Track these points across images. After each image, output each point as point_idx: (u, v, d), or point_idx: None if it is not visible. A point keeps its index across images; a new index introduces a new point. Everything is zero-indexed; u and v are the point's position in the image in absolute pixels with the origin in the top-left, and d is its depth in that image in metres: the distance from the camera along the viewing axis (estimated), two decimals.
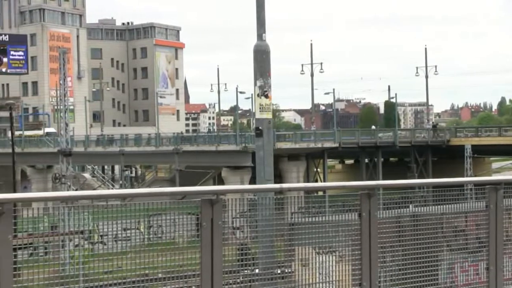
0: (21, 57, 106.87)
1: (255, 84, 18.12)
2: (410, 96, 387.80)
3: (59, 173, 46.24)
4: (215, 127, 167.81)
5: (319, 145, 62.59)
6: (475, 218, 8.47)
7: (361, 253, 7.29)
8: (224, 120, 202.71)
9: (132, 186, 76.70)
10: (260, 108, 18.11)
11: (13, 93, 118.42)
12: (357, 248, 7.32)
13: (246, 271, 7.04)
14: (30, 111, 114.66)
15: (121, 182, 71.93)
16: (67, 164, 43.90)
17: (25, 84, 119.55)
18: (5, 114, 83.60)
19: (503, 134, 70.82)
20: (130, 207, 6.57)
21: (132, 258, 6.54)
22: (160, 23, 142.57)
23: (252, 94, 54.24)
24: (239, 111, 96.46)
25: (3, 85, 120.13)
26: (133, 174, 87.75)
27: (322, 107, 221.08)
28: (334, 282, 7.49)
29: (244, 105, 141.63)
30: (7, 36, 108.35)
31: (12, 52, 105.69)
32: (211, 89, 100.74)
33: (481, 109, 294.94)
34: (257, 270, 7.17)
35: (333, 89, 79.89)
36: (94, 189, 68.02)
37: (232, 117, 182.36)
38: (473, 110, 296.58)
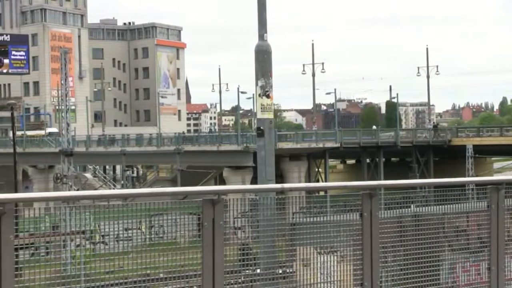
0: (23, 57, 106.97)
1: (257, 84, 18.12)
2: (411, 96, 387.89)
3: (60, 173, 46.24)
4: (216, 127, 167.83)
5: (321, 145, 62.59)
6: (476, 218, 8.47)
7: (363, 253, 7.28)
8: (225, 120, 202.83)
9: (133, 186, 76.70)
10: (261, 108, 18.11)
11: (15, 93, 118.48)
12: (359, 248, 7.32)
13: (247, 271, 7.03)
14: (32, 111, 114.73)
15: (122, 182, 71.98)
16: (68, 164, 43.92)
17: (26, 84, 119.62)
18: (7, 114, 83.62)
19: (504, 134, 70.80)
20: (132, 207, 6.57)
21: (133, 258, 6.54)
22: (161, 23, 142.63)
23: (253, 94, 54.17)
24: (241, 111, 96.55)
25: (4, 85, 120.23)
26: (135, 174, 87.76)
27: (324, 107, 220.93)
28: (335, 282, 7.48)
29: (246, 105, 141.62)
30: (9, 36, 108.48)
31: (13, 52, 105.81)
32: (213, 89, 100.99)
33: (483, 109, 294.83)
34: (258, 270, 7.17)
35: (335, 89, 79.85)
36: (96, 189, 68.03)
37: (233, 117, 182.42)
38: (474, 110, 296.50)
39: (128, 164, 70.14)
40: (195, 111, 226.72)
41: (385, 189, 8.19)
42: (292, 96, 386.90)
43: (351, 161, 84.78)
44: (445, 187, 8.33)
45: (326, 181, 63.74)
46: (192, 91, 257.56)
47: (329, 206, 8.46)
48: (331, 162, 76.72)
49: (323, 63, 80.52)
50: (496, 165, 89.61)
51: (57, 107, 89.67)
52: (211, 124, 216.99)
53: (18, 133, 72.75)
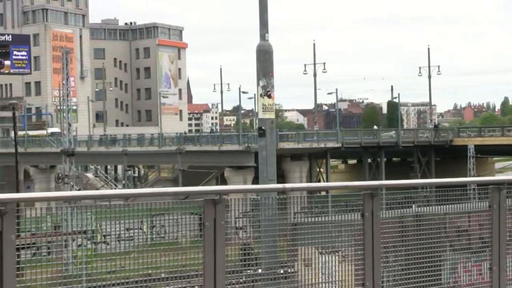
0: (24, 57, 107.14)
1: (258, 84, 18.13)
2: (413, 96, 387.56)
3: (62, 173, 46.26)
4: (218, 127, 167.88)
5: (322, 145, 62.59)
6: (478, 218, 8.46)
7: (364, 253, 7.28)
8: (227, 120, 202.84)
9: (135, 186, 76.72)
10: (263, 108, 18.11)
11: (16, 93, 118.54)
12: (360, 248, 7.32)
13: (249, 271, 7.04)
14: (33, 111, 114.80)
15: (124, 182, 71.96)
16: (70, 164, 43.92)
17: (28, 84, 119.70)
18: (8, 114, 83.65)
19: (506, 134, 70.78)
20: (133, 207, 6.58)
21: (135, 258, 6.54)
22: (163, 23, 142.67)
23: (255, 94, 54.20)
24: (242, 111, 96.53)
25: (6, 85, 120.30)
26: (136, 174, 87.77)
27: (325, 107, 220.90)
28: (337, 282, 7.48)
29: (247, 105, 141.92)
30: (10, 36, 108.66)
31: (15, 52, 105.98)
32: (214, 89, 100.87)
33: (484, 109, 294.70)
34: (260, 270, 7.17)
35: (336, 89, 79.89)
36: (97, 189, 68.05)
37: (235, 117, 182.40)
38: (476, 110, 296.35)
39: (130, 164, 70.16)
40: (196, 111, 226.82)
41: (387, 189, 8.19)
42: (293, 96, 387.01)
43: (352, 161, 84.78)
44: (447, 187, 8.32)
45: (327, 181, 63.72)
46: (193, 91, 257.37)
47: (330, 206, 8.46)
48: (333, 162, 76.69)
49: (324, 63, 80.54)
50: (498, 165, 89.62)
51: (58, 107, 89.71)
52: (212, 124, 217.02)
53: (20, 133, 72.77)
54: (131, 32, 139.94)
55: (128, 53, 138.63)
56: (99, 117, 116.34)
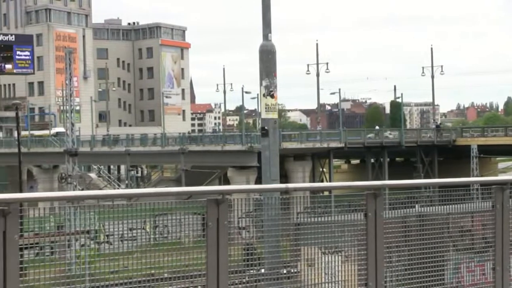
0: (27, 57, 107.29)
1: (261, 84, 18.12)
2: (416, 96, 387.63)
3: (65, 173, 46.30)
4: (221, 127, 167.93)
5: (325, 145, 62.56)
6: (481, 218, 8.46)
7: (367, 253, 7.28)
8: (230, 120, 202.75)
9: (138, 186, 76.78)
10: (266, 108, 18.11)
11: (19, 93, 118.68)
12: (363, 248, 7.31)
13: (252, 271, 7.04)
14: (36, 111, 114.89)
15: (127, 182, 72.00)
16: (73, 164, 43.97)
17: (31, 84, 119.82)
18: (11, 114, 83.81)
19: (509, 134, 70.63)
20: (136, 207, 6.58)
21: (138, 258, 6.54)
22: (166, 23, 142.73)
23: (258, 94, 54.25)
24: (245, 111, 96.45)
25: (9, 85, 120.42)
26: (139, 174, 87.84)
27: (328, 107, 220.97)
28: (340, 282, 7.48)
29: (250, 105, 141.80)
30: (14, 36, 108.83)
31: (18, 52, 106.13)
32: (217, 89, 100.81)
33: (487, 109, 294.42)
34: (263, 270, 7.17)
35: (339, 89, 79.86)
36: (100, 189, 68.09)
37: (237, 117, 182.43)
38: (479, 110, 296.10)
39: (133, 164, 70.24)
40: (199, 111, 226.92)
41: (390, 189, 8.18)
42: (296, 96, 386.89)
43: (355, 161, 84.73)
44: (450, 187, 8.32)
45: (330, 181, 63.67)
46: (196, 91, 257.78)
47: (333, 206, 8.46)
48: (336, 162, 76.67)
49: (327, 63, 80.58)
50: (501, 165, 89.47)
51: (61, 107, 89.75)
52: (215, 124, 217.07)
53: (23, 133, 72.86)
54: (134, 32, 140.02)
55: (131, 53, 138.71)
56: (102, 117, 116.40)
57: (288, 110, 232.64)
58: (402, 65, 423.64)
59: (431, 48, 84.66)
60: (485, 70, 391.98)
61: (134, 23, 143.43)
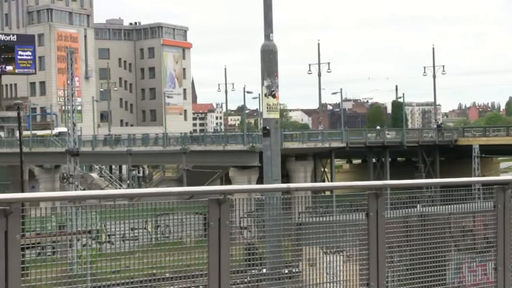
0: (29, 57, 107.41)
1: (263, 84, 18.12)
2: (417, 95, 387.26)
3: (66, 173, 46.32)
4: (222, 126, 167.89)
5: (327, 145, 62.55)
6: (483, 218, 8.45)
7: (369, 253, 7.28)
8: (231, 120, 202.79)
9: (139, 186, 76.78)
10: (267, 108, 18.11)
11: (21, 93, 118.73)
12: (365, 248, 7.31)
13: (253, 271, 7.03)
14: (38, 111, 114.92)
15: (128, 181, 72.03)
16: (74, 164, 43.98)
17: (32, 84, 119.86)
18: (13, 114, 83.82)
19: (511, 134, 70.60)
20: (138, 207, 6.58)
21: (139, 257, 6.54)
22: (167, 23, 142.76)
23: (259, 94, 54.25)
24: (247, 111, 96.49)
25: (11, 85, 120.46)
26: (141, 174, 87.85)
27: (330, 107, 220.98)
28: (341, 282, 7.48)
29: (252, 105, 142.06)
30: (15, 36, 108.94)
31: (20, 52, 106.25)
32: (219, 89, 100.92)
33: (489, 109, 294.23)
34: (264, 270, 7.17)
35: (341, 89, 79.89)
36: (102, 188, 68.14)
37: (239, 117, 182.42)
38: (480, 110, 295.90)
39: (134, 164, 70.21)
40: (201, 111, 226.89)
41: (391, 189, 8.18)
42: (298, 96, 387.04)
43: (357, 161, 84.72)
44: (451, 187, 8.31)
45: (332, 181, 63.68)
46: (198, 91, 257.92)
47: (335, 206, 8.46)
48: (337, 162, 76.66)
49: (329, 63, 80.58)
50: (503, 165, 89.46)
51: (63, 107, 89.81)
52: (217, 124, 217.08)
53: (25, 133, 72.90)
54: (136, 32, 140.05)
55: (133, 53, 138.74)
56: (104, 117, 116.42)
57: (290, 110, 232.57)
58: (403, 65, 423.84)
59: (433, 48, 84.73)
60: (486, 70, 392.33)
61: (135, 23, 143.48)
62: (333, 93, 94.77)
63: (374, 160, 67.83)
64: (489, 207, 8.31)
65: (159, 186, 68.30)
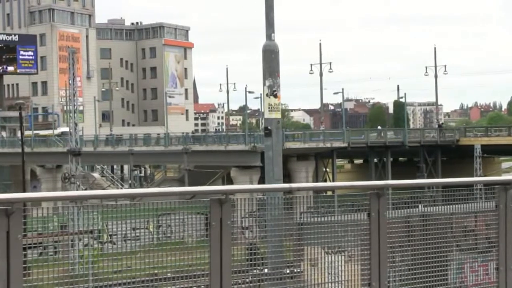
0: (31, 57, 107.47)
1: (264, 84, 18.12)
2: (419, 95, 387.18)
3: (68, 173, 46.34)
4: (224, 126, 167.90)
5: (328, 145, 62.53)
6: (484, 218, 8.45)
7: (370, 253, 7.27)
8: (233, 120, 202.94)
9: (141, 186, 76.78)
10: (269, 108, 18.11)
11: (23, 93, 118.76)
12: (366, 248, 7.31)
13: (255, 270, 7.03)
14: (40, 111, 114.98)
15: (130, 181, 72.02)
16: (76, 164, 43.99)
17: (34, 84, 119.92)
18: (15, 114, 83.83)
19: None
20: (139, 207, 6.58)
21: (141, 257, 6.54)
22: (169, 23, 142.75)
23: (261, 94, 54.21)
24: (248, 111, 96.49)
25: (12, 85, 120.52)
26: (142, 174, 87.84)
27: (331, 107, 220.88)
28: (343, 282, 7.48)
29: (253, 105, 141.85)
30: (17, 36, 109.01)
31: (21, 52, 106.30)
32: (220, 89, 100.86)
33: (491, 109, 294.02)
34: (266, 270, 7.17)
35: (342, 89, 79.70)
36: (103, 188, 68.18)
37: (241, 117, 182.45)
38: (482, 109, 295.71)
39: (136, 163, 70.19)
40: (202, 111, 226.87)
41: (393, 189, 8.18)
42: (299, 96, 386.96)
43: (358, 161, 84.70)
44: (453, 187, 8.31)
45: (333, 181, 63.66)
46: (199, 91, 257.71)
47: (336, 206, 8.46)
48: (339, 162, 76.66)
49: (330, 63, 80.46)
50: (504, 165, 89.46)
51: (65, 107, 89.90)
52: (218, 124, 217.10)
53: (27, 132, 72.92)
54: (137, 32, 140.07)
55: (135, 53, 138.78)
56: (106, 117, 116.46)
57: (291, 110, 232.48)
58: (405, 65, 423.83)
59: (434, 48, 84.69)
60: (488, 70, 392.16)
61: (137, 23, 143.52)
62: (335, 93, 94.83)
63: (375, 160, 67.79)
64: (491, 207, 8.30)
65: (160, 186, 68.32)
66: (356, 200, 7.90)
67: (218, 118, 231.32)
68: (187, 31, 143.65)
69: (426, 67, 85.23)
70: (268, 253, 7.35)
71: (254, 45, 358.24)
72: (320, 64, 79.37)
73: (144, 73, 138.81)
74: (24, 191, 52.03)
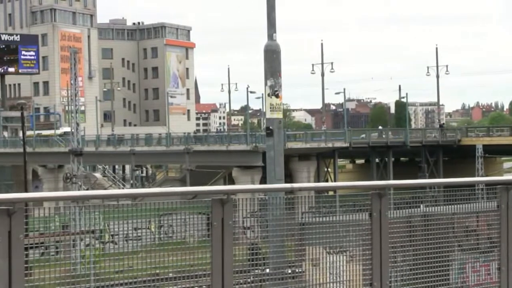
0: (32, 57, 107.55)
1: (266, 84, 18.12)
2: (421, 95, 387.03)
3: (70, 173, 46.37)
4: (225, 126, 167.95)
5: (330, 145, 62.53)
6: (486, 218, 8.44)
7: (372, 253, 7.27)
8: (234, 119, 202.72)
9: (143, 186, 76.82)
10: (270, 108, 18.10)
11: (24, 93, 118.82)
12: (368, 248, 7.30)
13: (256, 270, 7.03)
14: (41, 111, 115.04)
15: (131, 181, 72.05)
16: (78, 164, 44.02)
17: (36, 84, 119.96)
18: (17, 114, 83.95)
19: None
20: (141, 207, 6.58)
21: (143, 257, 6.54)
22: (170, 23, 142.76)
23: (262, 94, 54.23)
24: (250, 111, 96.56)
25: (14, 85, 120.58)
26: (144, 174, 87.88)
27: (333, 107, 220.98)
28: (344, 282, 7.47)
29: (255, 105, 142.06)
30: (19, 36, 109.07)
31: (23, 52, 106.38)
32: (222, 88, 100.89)
33: (493, 109, 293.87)
34: (267, 270, 7.17)
35: (344, 89, 79.69)
36: (105, 188, 68.23)
37: (242, 117, 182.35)
38: (484, 109, 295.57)
39: (138, 163, 70.24)
40: (204, 111, 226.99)
41: (395, 189, 8.17)
42: (301, 96, 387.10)
43: (360, 161, 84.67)
44: (455, 187, 8.30)
45: (335, 181, 63.66)
46: (201, 90, 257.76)
47: (338, 206, 8.45)
48: (340, 162, 76.58)
49: (332, 63, 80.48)
50: (506, 165, 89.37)
51: (66, 107, 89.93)
52: (220, 124, 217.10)
53: (29, 132, 72.96)
54: (139, 32, 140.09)
55: (136, 53, 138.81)
56: (107, 117, 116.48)
57: (293, 110, 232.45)
58: (407, 65, 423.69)
59: (436, 48, 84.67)
60: (488, 70, 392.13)
61: (139, 23, 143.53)
62: (337, 93, 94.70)
63: (377, 160, 67.78)
64: (492, 207, 8.30)
65: (162, 186, 68.34)
66: (358, 200, 7.89)
67: (220, 118, 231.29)
68: (188, 31, 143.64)
69: (428, 67, 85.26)
70: (270, 253, 7.35)
71: (256, 45, 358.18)
72: (322, 64, 79.42)
73: (145, 73, 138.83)
74: (25, 191, 52.05)
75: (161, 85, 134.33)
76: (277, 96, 18.03)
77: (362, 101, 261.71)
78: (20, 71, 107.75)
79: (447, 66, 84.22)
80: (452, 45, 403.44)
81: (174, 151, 63.47)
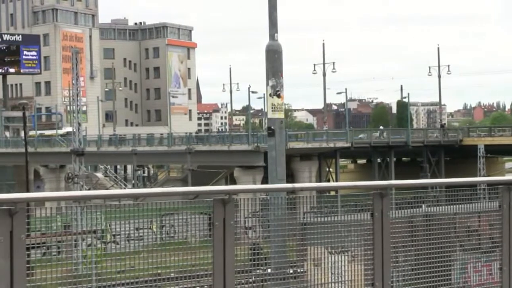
0: (34, 57, 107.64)
1: (267, 84, 18.11)
2: (422, 95, 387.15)
3: (72, 173, 46.39)
4: (227, 126, 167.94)
5: (331, 145, 62.51)
6: (488, 218, 8.44)
7: (374, 253, 7.27)
8: (236, 120, 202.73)
9: (144, 186, 76.83)
10: (272, 108, 18.09)
11: (26, 93, 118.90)
12: (370, 248, 7.30)
13: (258, 270, 7.03)
14: (43, 111, 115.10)
15: (133, 181, 72.08)
16: (79, 164, 44.04)
17: (38, 84, 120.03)
18: (18, 114, 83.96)
19: None
20: (143, 207, 6.58)
21: (144, 257, 6.55)
22: (172, 23, 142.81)
23: (264, 94, 54.25)
24: (251, 111, 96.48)
25: (16, 85, 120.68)
26: (146, 174, 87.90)
27: (334, 107, 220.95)
28: (346, 282, 7.47)
29: (256, 104, 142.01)
30: (20, 36, 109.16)
31: (25, 52, 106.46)
32: (223, 88, 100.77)
33: (494, 109, 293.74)
34: (269, 270, 7.17)
35: (345, 89, 79.65)
36: (107, 188, 68.22)
37: (244, 117, 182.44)
38: (486, 109, 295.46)
39: (139, 163, 70.29)
40: (206, 111, 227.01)
41: (396, 189, 8.16)
42: (303, 95, 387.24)
43: (362, 161, 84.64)
44: (457, 187, 8.29)
45: (337, 180, 63.64)
46: (203, 90, 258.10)
47: (340, 206, 8.45)
48: (342, 161, 76.61)
49: (334, 63, 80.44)
50: (508, 165, 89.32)
51: (68, 107, 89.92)
52: (221, 124, 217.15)
53: (31, 132, 73.00)
54: (141, 32, 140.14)
55: (138, 53, 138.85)
56: (109, 117, 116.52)
57: (295, 110, 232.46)
58: (408, 65, 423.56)
59: (438, 48, 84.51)
60: (487, 70, 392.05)
61: (140, 23, 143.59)
62: (338, 93, 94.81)
63: (379, 160, 67.77)
64: (494, 207, 8.29)
65: (164, 186, 68.33)
66: (360, 200, 7.89)
67: (221, 118, 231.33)
68: (190, 31, 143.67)
69: (429, 67, 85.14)
70: (271, 253, 7.35)
71: (257, 45, 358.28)
72: (323, 64, 79.37)
73: (147, 73, 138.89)
74: (27, 191, 52.09)
75: (163, 85, 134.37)
76: (278, 96, 18.03)
77: (363, 101, 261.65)
78: (22, 71, 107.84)
79: (448, 66, 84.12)
80: (450, 45, 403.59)
81: (175, 151, 63.47)
